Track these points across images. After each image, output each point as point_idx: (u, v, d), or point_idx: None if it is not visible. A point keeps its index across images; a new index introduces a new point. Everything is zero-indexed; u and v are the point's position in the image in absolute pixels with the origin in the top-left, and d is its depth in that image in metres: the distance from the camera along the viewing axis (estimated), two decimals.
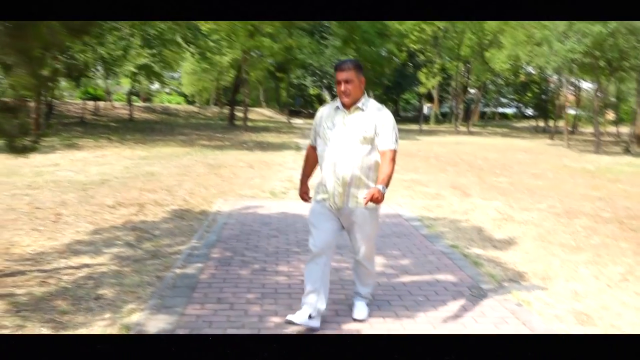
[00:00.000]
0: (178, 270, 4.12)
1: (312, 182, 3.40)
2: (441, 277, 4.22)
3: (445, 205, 7.59)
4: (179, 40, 21.34)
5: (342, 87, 2.98)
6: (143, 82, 29.53)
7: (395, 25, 29.41)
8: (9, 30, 2.83)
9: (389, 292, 3.84)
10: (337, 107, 3.09)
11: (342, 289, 3.84)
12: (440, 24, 29.85)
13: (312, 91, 48.49)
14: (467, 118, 37.92)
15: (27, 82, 3.30)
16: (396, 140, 3.03)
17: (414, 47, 31.92)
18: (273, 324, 3.16)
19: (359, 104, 3.04)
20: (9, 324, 3.05)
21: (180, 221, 6.01)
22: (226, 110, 31.48)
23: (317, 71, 41.54)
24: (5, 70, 3.46)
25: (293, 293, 3.72)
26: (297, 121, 36.24)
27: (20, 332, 2.93)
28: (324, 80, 43.28)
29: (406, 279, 4.16)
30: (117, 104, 33.64)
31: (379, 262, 4.54)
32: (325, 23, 34.01)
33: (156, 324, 3.10)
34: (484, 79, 35.65)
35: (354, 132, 3.00)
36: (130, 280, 3.92)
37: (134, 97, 32.85)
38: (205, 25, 21.29)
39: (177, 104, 41.87)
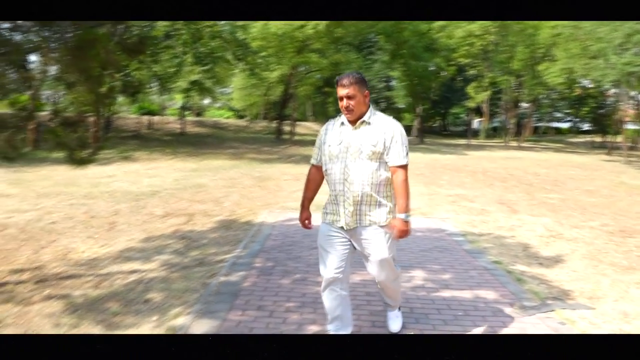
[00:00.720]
0: (222, 278, 4.27)
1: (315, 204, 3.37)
2: (482, 292, 4.17)
3: (490, 221, 7.45)
4: (229, 57, 22.05)
5: (345, 103, 2.83)
6: (195, 97, 30.61)
7: (443, 39, 29.18)
8: (71, 51, 3.09)
9: (428, 305, 3.84)
10: (342, 123, 2.93)
11: (379, 301, 3.88)
12: (490, 37, 29.36)
13: None
14: (519, 133, 36.94)
15: (87, 99, 3.56)
16: (407, 154, 2.88)
17: (463, 61, 31.52)
18: (311, 332, 3.24)
19: (365, 118, 2.87)
20: (66, 322, 3.28)
21: (227, 231, 6.21)
22: (274, 125, 32.08)
23: None
24: (67, 88, 3.74)
25: None
26: None
27: (74, 332, 3.15)
28: (371, 95, 43.31)
29: (446, 293, 4.13)
30: (170, 118, 34.96)
31: (419, 275, 4.54)
32: (374, 38, 34.16)
33: (200, 327, 3.24)
34: (537, 93, 34.68)
35: (362, 147, 2.84)
36: (177, 285, 4.10)
37: (186, 112, 34.04)
38: (254, 42, 21.94)
39: (227, 119, 43.03)
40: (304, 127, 39.00)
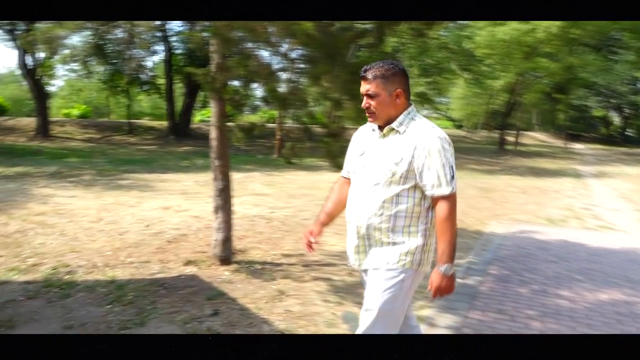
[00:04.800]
0: (459, 280, 4.52)
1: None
2: None
3: None
4: (454, 67, 22.13)
5: (364, 104, 2.20)
6: (417, 108, 31.42)
7: None
8: (346, 75, 3.73)
9: None
10: (374, 129, 2.28)
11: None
12: None
13: (597, 113, 43.33)
14: None
15: (352, 114, 4.19)
16: (451, 180, 2.08)
17: None
18: None
19: (394, 125, 2.17)
20: (332, 299, 3.96)
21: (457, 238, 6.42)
22: (495, 134, 30.84)
23: (604, 90, 37.01)
24: (335, 105, 4.45)
25: (577, 317, 3.71)
26: (577, 146, 32.96)
27: (337, 309, 3.77)
28: (612, 100, 38.25)
29: None
30: None
31: None
32: (616, 36, 30.13)
33: (444, 320, 3.56)
34: None
35: (382, 163, 2.16)
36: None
37: None
38: (478, 50, 21.58)
39: (444, 128, 42.90)
40: (529, 138, 36.50)
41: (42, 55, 21.20)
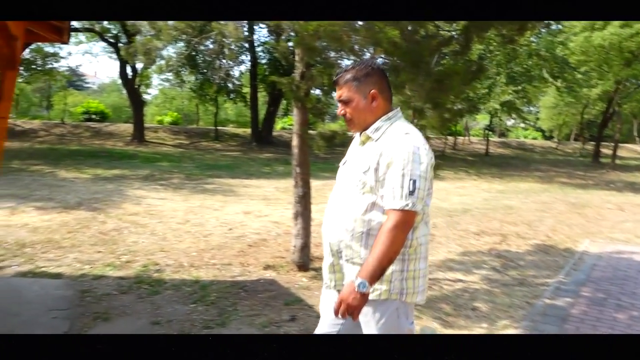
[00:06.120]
0: (547, 301, 4.25)
1: None
2: None
3: None
4: (546, 75, 21.00)
5: (339, 110, 1.99)
6: (503, 117, 30.19)
7: None
8: (432, 84, 3.66)
9: None
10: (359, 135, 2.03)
11: None
12: None
13: None
14: None
15: (435, 123, 4.10)
16: (410, 194, 1.77)
17: None
18: None
19: (369, 131, 1.93)
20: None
21: (544, 255, 6.06)
22: (589, 147, 28.87)
23: None
24: (418, 114, 4.38)
25: None
26: None
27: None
28: None
29: None
30: (473, 139, 35.31)
31: None
32: None
33: None
34: None
35: (353, 173, 1.95)
36: (501, 300, 4.29)
37: (490, 133, 33.82)
38: (573, 57, 20.32)
39: (532, 139, 40.82)
40: (628, 150, 33.74)
41: (140, 66, 22.82)
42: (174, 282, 4.30)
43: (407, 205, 1.76)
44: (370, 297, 1.78)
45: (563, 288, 4.64)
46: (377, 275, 1.74)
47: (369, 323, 1.88)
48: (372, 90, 1.92)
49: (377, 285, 1.80)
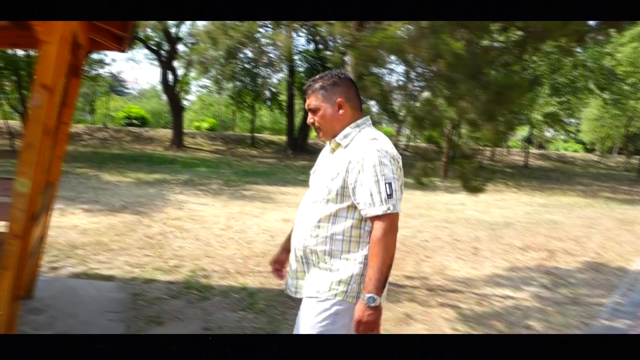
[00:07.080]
0: (604, 322, 4.09)
1: None
2: None
3: None
4: (592, 86, 20.40)
5: (309, 119, 2.04)
6: (544, 129, 29.48)
7: None
8: (489, 97, 3.59)
9: None
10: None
11: None
12: None
13: None
14: None
15: (489, 136, 4.02)
16: (389, 197, 1.81)
17: None
18: None
19: (338, 138, 1.97)
20: (461, 328, 3.78)
21: (596, 274, 5.84)
22: (634, 160, 27.85)
23: None
24: (471, 126, 4.30)
25: None
26: None
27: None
28: None
29: None
30: (511, 150, 34.61)
31: None
32: None
33: None
34: None
35: (321, 180, 1.98)
36: (555, 319, 4.14)
37: (529, 144, 33.08)
38: (621, 69, 19.68)
39: (573, 152, 39.71)
40: None
41: (180, 72, 23.34)
42: (221, 288, 4.33)
43: (388, 208, 1.80)
44: (326, 295, 1.87)
45: (621, 309, 4.45)
46: (382, 285, 1.79)
47: (310, 313, 1.91)
48: (339, 99, 1.97)
49: (334, 285, 1.87)
